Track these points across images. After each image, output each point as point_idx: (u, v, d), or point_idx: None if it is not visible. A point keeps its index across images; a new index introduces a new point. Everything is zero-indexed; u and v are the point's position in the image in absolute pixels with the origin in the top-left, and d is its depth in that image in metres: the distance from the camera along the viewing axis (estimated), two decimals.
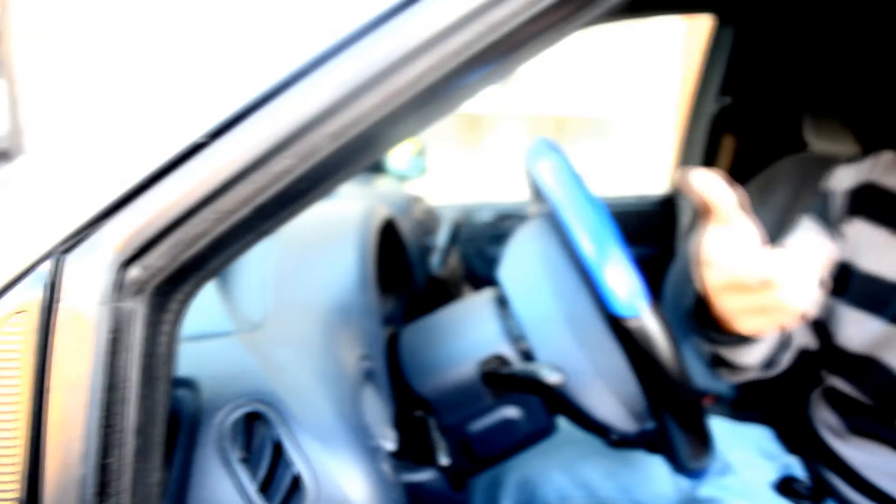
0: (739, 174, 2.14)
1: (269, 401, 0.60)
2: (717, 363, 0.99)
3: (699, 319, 0.90)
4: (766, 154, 2.04)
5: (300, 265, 0.85)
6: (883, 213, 0.99)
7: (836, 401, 1.04)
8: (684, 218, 2.23)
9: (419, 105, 0.44)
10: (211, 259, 0.44)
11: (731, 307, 0.76)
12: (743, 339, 0.89)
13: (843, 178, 1.09)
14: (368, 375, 0.74)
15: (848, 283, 1.00)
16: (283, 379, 0.63)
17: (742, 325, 0.77)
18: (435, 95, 0.43)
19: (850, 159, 1.09)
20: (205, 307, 0.70)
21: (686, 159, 2.30)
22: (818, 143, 1.81)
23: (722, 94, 2.18)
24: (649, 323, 0.67)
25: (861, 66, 1.69)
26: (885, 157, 1.05)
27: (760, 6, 1.91)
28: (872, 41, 1.65)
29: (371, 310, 0.83)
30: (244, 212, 0.43)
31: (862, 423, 0.99)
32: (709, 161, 2.24)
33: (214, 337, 0.67)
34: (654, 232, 2.33)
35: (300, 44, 0.44)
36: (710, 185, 0.70)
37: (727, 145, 2.20)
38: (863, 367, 0.97)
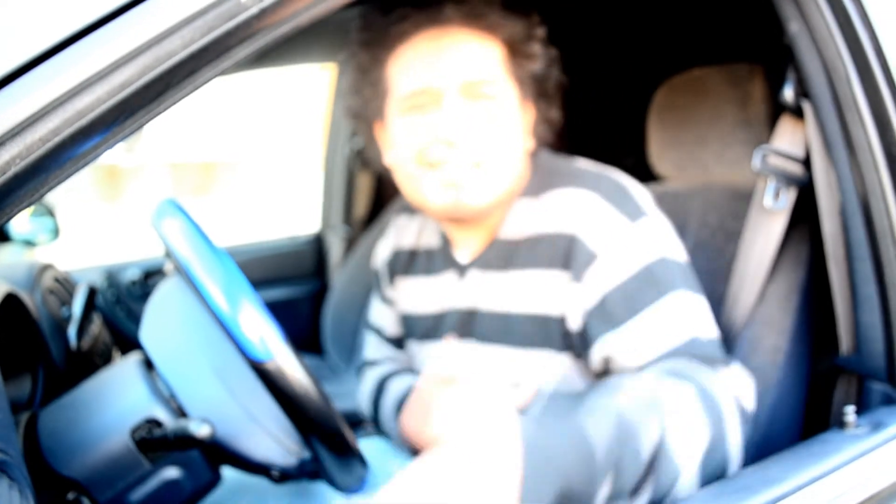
0: (379, 208, 2.33)
1: None
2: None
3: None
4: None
5: None
6: (406, 267, 1.26)
7: None
8: (334, 253, 2.37)
9: (13, 189, 0.44)
10: None
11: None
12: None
13: (381, 254, 1.33)
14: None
15: (412, 327, 1.25)
16: None
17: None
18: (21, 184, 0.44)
19: (383, 236, 1.34)
20: None
21: (329, 198, 2.44)
22: None
23: (354, 135, 2.34)
24: (283, 363, 0.73)
25: None
26: (400, 220, 1.31)
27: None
28: None
29: None
30: None
31: None
32: (350, 198, 2.40)
33: None
34: (308, 269, 2.42)
35: None
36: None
37: (364, 183, 2.38)
38: None
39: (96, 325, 1.35)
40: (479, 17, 1.02)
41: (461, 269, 1.16)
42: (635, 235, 1.00)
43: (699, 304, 1.00)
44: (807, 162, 1.09)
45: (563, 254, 1.02)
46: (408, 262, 1.26)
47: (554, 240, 1.04)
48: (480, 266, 1.13)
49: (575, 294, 1.01)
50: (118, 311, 1.97)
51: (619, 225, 1.00)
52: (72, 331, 1.21)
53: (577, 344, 1.03)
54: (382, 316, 1.34)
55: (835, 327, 1.07)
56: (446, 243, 1.20)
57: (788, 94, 1.07)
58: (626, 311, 0.98)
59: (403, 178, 1.09)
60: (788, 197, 1.12)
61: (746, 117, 1.26)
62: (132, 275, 2.04)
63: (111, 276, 2.02)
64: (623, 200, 1.03)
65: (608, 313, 0.98)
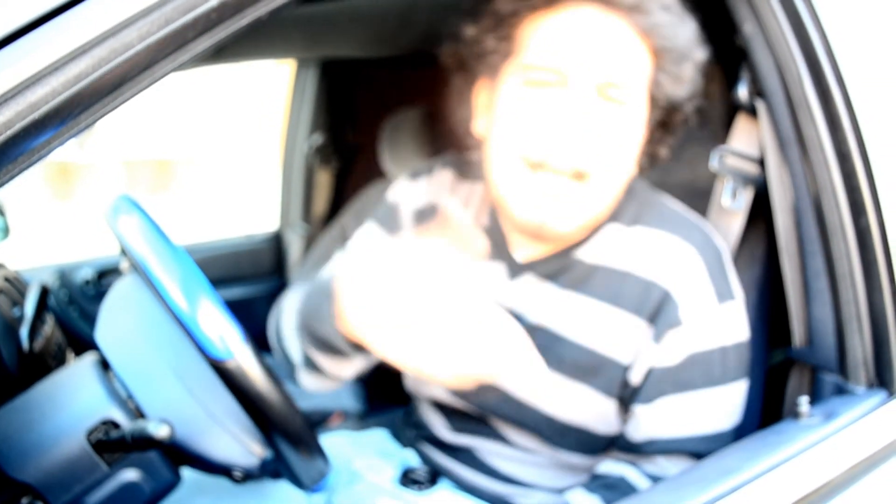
0: (339, 205, 2.31)
1: None
2: (311, 369, 1.05)
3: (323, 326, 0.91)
4: (360, 185, 2.23)
5: None
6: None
7: (440, 407, 1.19)
8: (293, 252, 2.34)
9: None
10: None
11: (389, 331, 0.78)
12: (358, 355, 0.92)
13: (409, 196, 1.16)
14: None
15: None
16: None
17: (386, 347, 0.79)
18: None
19: (413, 174, 1.19)
20: None
21: (288, 196, 2.42)
22: (397, 171, 2.05)
23: (314, 132, 2.32)
24: (243, 361, 0.72)
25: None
26: (445, 175, 1.14)
27: (332, 51, 2.09)
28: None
29: None
30: None
31: (463, 424, 1.15)
32: (309, 196, 2.38)
33: None
34: (267, 267, 2.39)
35: None
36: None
37: (323, 180, 2.36)
38: None
39: (49, 326, 1.31)
40: (643, 13, 0.90)
41: (514, 269, 1.04)
42: (720, 318, 0.99)
43: (735, 395, 1.01)
44: (763, 162, 1.12)
45: (653, 305, 0.97)
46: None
47: (644, 285, 0.98)
48: (540, 274, 1.02)
49: (651, 351, 0.98)
50: (71, 312, 1.93)
51: (709, 301, 0.98)
52: (23, 332, 1.18)
53: (627, 397, 1.01)
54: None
55: (788, 321, 1.09)
56: (499, 230, 1.06)
57: (742, 92, 1.10)
58: (672, 388, 0.98)
59: (495, 162, 0.96)
60: (746, 196, 1.14)
61: (703, 117, 1.28)
62: (86, 274, 2.00)
63: (64, 276, 1.97)
64: (720, 273, 1.00)
65: (667, 381, 0.98)
